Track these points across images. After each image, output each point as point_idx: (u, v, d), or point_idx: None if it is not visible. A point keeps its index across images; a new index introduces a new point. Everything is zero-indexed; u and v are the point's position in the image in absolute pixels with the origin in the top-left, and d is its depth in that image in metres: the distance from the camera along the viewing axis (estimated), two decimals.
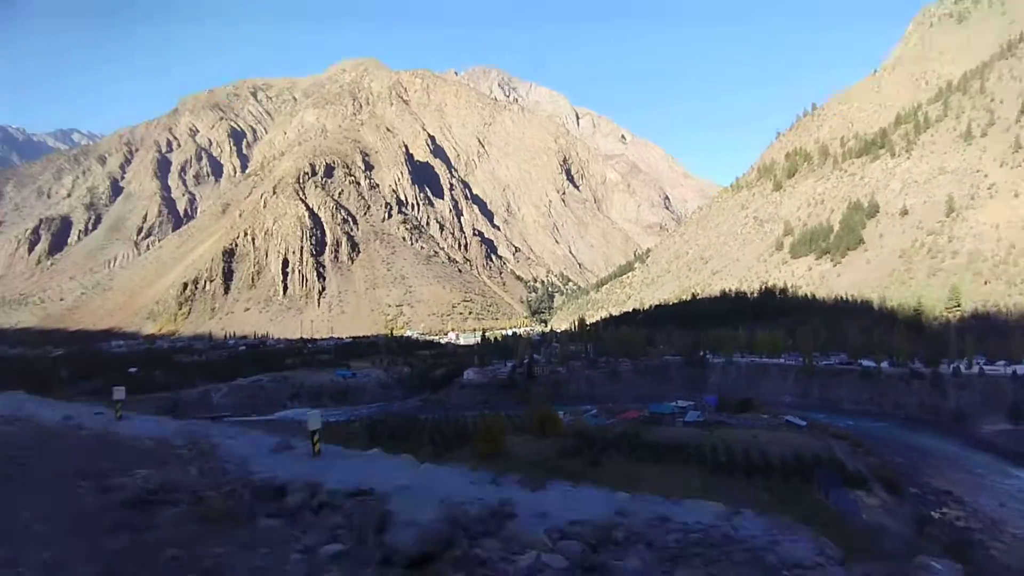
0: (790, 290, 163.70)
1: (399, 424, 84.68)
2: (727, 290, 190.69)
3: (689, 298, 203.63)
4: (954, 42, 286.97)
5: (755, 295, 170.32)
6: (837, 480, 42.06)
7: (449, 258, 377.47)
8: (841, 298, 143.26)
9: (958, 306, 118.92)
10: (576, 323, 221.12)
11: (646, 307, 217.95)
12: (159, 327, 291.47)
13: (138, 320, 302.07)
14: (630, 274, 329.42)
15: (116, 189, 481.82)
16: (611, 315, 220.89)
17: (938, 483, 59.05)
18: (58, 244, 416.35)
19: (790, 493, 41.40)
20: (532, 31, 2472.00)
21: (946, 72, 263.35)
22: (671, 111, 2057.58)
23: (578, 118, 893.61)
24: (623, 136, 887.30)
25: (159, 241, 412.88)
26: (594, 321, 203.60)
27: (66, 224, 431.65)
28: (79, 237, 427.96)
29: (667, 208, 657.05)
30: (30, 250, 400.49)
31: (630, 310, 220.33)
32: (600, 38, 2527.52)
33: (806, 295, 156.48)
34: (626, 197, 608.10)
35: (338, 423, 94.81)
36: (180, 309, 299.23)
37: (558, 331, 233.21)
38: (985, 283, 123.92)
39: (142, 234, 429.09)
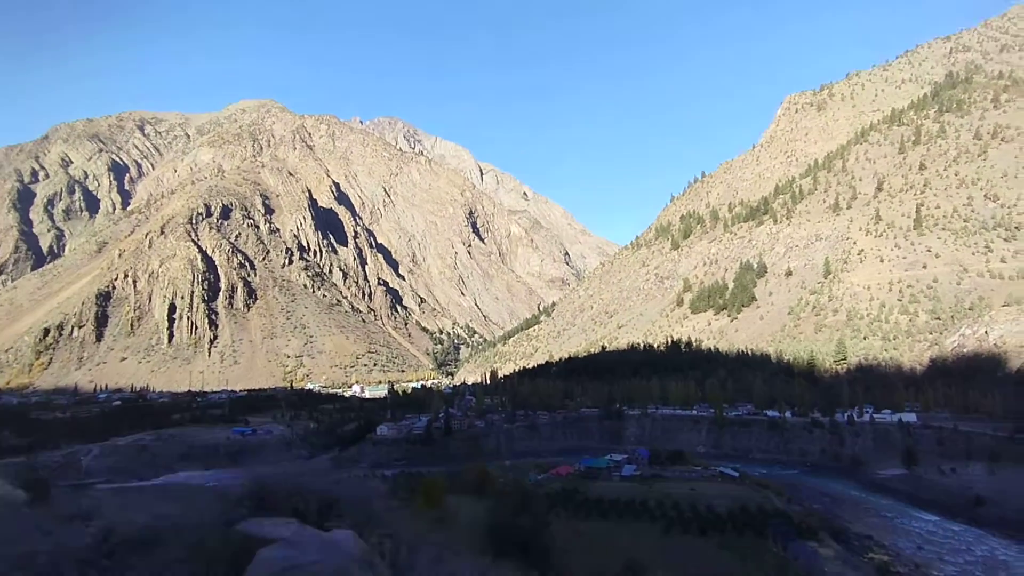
0: (694, 343, 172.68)
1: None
2: (634, 343, 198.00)
3: (598, 351, 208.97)
4: (815, 125, 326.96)
5: (662, 348, 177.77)
6: (791, 532, 43.05)
7: (353, 307, 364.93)
8: (742, 351, 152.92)
9: (844, 359, 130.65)
10: (488, 376, 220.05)
11: (556, 359, 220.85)
12: (7, 380, 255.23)
13: None
14: (536, 327, 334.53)
15: None
16: (524, 368, 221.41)
17: (857, 528, 62.37)
18: None
19: (749, 549, 41.80)
20: (437, 83, 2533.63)
21: (811, 151, 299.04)
22: (569, 170, 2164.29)
23: (482, 173, 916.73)
24: (525, 193, 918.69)
25: (13, 281, 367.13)
26: (507, 374, 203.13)
27: None
28: None
29: (568, 263, 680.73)
30: None
31: (542, 362, 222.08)
32: (503, 96, 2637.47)
33: (710, 348, 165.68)
34: (529, 252, 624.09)
35: (226, 488, 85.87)
36: (38, 359, 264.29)
37: (468, 384, 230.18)
38: (864, 338, 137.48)
39: None
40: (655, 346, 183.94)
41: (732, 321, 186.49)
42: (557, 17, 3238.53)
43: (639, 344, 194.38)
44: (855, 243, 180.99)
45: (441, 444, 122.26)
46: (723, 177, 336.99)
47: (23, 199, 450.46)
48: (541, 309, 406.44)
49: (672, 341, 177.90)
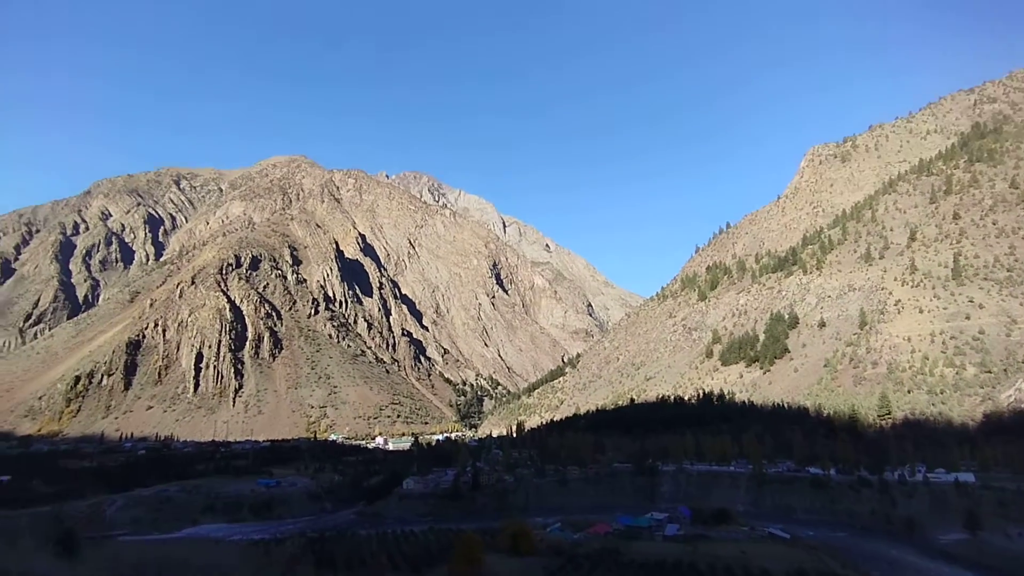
0: (727, 396, 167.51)
1: (345, 544, 75.13)
2: (664, 396, 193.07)
3: (627, 403, 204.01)
4: (840, 177, 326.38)
5: (693, 401, 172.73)
6: None
7: (377, 358, 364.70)
8: (777, 405, 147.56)
9: (889, 414, 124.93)
10: (514, 428, 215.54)
11: (583, 412, 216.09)
12: (39, 427, 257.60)
13: (13, 418, 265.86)
14: (561, 379, 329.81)
15: (7, 271, 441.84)
16: (551, 420, 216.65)
17: None
18: None
19: None
20: (461, 138, 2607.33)
21: (837, 202, 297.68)
22: (590, 223, 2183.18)
23: (505, 225, 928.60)
24: (547, 245, 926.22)
25: (50, 329, 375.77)
26: (534, 427, 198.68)
27: None
28: None
29: (591, 315, 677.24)
30: None
31: (569, 415, 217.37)
32: (527, 150, 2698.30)
33: (744, 401, 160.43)
34: (553, 303, 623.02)
35: (268, 542, 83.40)
36: (68, 406, 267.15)
37: (494, 436, 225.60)
38: (908, 392, 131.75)
39: (31, 321, 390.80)
40: (686, 399, 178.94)
41: (765, 373, 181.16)
42: (572, 69, 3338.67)
43: (669, 397, 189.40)
44: (891, 293, 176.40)
45: (469, 499, 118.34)
46: (748, 228, 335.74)
47: (64, 251, 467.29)
48: (565, 361, 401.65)
49: (704, 394, 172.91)
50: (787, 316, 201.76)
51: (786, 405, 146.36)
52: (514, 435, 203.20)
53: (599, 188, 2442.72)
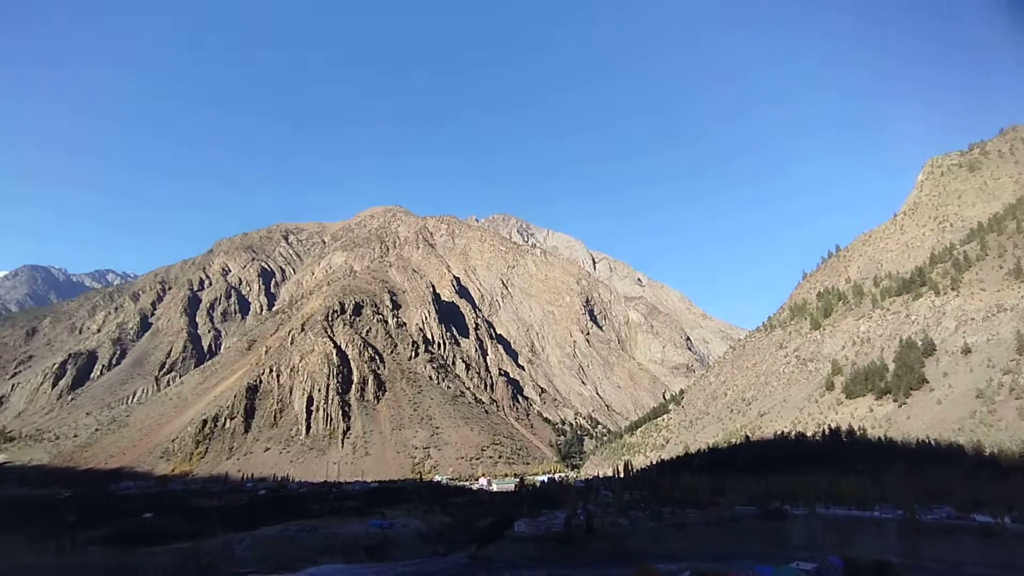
0: (857, 432, 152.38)
1: None
2: (783, 432, 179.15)
3: (740, 441, 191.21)
4: (970, 187, 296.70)
5: (818, 438, 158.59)
6: None
7: (476, 398, 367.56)
8: (922, 441, 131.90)
9: None
10: (620, 468, 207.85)
11: (693, 451, 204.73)
12: (173, 467, 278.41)
13: (151, 459, 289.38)
14: (665, 416, 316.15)
15: (145, 325, 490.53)
16: (661, 460, 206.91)
17: None
18: (81, 379, 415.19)
19: None
20: (548, 181, 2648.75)
21: (968, 214, 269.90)
22: (684, 256, 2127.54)
23: (595, 262, 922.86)
24: (639, 279, 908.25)
25: (181, 377, 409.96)
26: (642, 467, 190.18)
27: (92, 359, 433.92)
28: (102, 372, 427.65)
29: (690, 349, 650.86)
30: (54, 385, 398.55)
31: (679, 454, 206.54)
32: (612, 189, 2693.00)
33: (879, 438, 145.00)
34: (650, 338, 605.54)
35: None
36: (197, 448, 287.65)
37: (599, 477, 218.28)
38: None
39: (164, 369, 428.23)
40: (809, 436, 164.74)
41: (900, 407, 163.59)
42: (664, 111, 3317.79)
43: (788, 433, 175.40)
44: None
45: (582, 543, 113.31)
46: (861, 250, 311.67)
47: (191, 305, 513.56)
48: (667, 397, 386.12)
49: (830, 430, 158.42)
50: (920, 342, 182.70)
51: (933, 441, 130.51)
52: (621, 475, 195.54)
53: (691, 219, 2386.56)
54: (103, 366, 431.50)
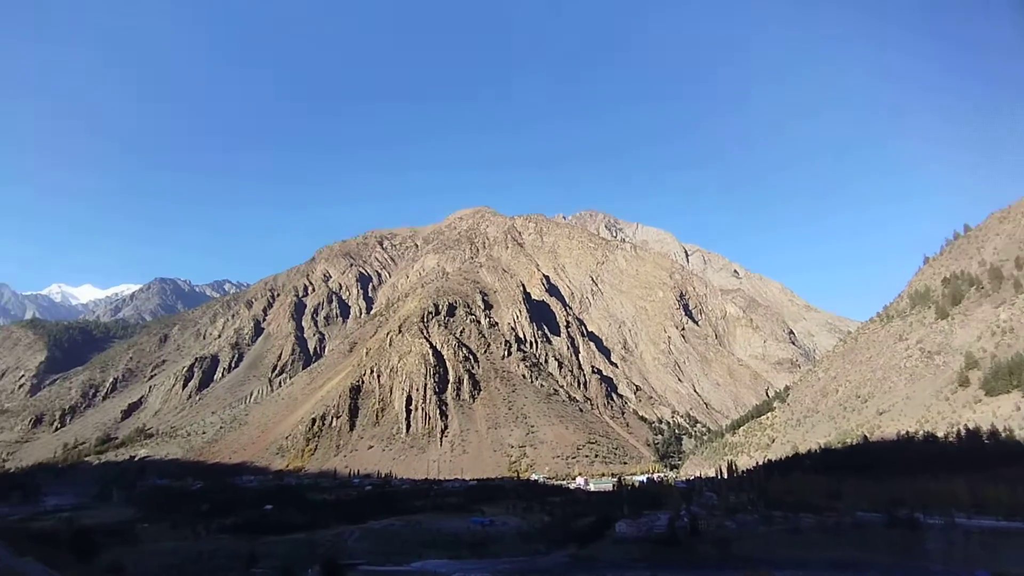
0: (1001, 433, 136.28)
1: None
2: (908, 432, 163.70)
3: (858, 441, 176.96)
4: None
5: (952, 439, 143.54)
6: None
7: (569, 397, 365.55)
8: None
9: None
10: (723, 469, 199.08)
11: (803, 451, 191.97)
12: (287, 463, 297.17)
13: (268, 455, 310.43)
14: (769, 414, 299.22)
15: (258, 330, 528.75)
16: (768, 460, 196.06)
17: None
18: (206, 381, 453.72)
19: None
20: (636, 175, 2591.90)
21: None
22: (783, 244, 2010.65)
23: (687, 255, 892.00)
24: (736, 271, 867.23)
25: (291, 378, 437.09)
26: (748, 467, 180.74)
27: (215, 362, 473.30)
28: (223, 374, 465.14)
29: (793, 343, 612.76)
30: (184, 386, 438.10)
31: (789, 455, 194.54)
32: (705, 179, 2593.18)
33: None
34: (749, 332, 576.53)
35: None
36: (308, 445, 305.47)
37: (700, 477, 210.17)
38: None
39: (276, 371, 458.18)
40: (940, 436, 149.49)
41: None
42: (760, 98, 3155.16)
43: (914, 434, 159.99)
44: None
45: (688, 546, 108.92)
46: (999, 228, 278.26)
47: (297, 310, 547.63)
48: (771, 394, 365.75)
49: (967, 430, 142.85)
50: None
51: None
52: (725, 476, 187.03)
53: (790, 205, 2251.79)
54: (224, 369, 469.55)
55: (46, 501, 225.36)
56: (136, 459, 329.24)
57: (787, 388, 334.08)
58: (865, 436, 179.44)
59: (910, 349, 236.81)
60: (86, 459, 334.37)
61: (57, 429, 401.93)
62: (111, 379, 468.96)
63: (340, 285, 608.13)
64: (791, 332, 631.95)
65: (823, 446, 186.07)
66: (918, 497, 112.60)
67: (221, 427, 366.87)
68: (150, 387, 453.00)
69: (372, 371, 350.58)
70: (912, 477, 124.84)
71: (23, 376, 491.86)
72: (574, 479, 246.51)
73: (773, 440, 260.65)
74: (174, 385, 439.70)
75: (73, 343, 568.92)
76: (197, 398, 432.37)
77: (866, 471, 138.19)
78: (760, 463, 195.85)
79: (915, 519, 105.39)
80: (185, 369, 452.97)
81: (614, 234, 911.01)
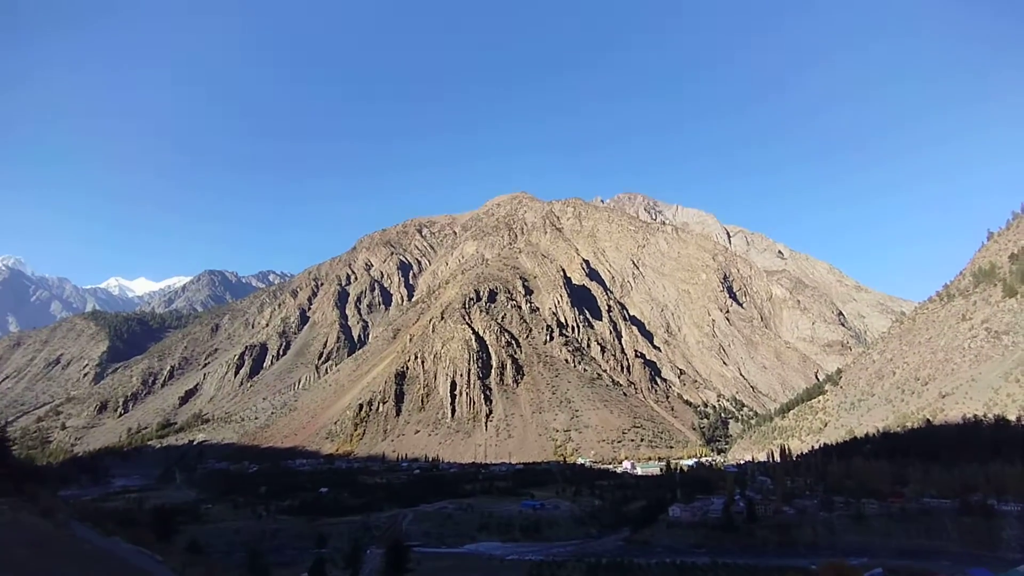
0: None
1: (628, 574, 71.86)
2: (975, 416, 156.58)
3: (920, 425, 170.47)
4: None
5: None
6: None
7: (613, 381, 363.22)
8: None
9: None
10: (775, 453, 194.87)
11: (859, 435, 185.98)
12: (337, 447, 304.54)
13: (318, 439, 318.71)
14: (821, 398, 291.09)
15: (304, 319, 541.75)
16: (824, 444, 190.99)
17: None
18: (256, 368, 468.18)
19: None
20: (676, 152, 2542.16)
21: None
22: (830, 222, 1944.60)
23: (729, 236, 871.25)
24: (780, 251, 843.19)
25: (336, 365, 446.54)
26: (802, 451, 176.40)
27: (264, 350, 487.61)
28: (272, 362, 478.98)
29: (843, 324, 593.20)
30: (236, 373, 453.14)
31: (845, 439, 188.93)
32: (744, 159, 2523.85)
33: None
34: (797, 314, 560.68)
35: (546, 563, 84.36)
36: (356, 430, 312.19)
37: (751, 461, 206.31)
38: None
39: (322, 358, 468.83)
40: (1012, 420, 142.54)
41: None
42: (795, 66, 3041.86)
43: (982, 417, 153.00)
44: None
45: (745, 531, 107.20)
46: None
47: (341, 299, 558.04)
48: (821, 377, 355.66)
49: None
50: None
51: None
52: (777, 460, 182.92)
53: (837, 182, 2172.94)
54: (272, 356, 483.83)
55: (114, 483, 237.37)
56: (195, 443, 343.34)
57: (839, 371, 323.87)
58: (928, 420, 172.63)
59: (975, 329, 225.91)
60: (148, 443, 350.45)
61: (120, 415, 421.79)
62: (168, 367, 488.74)
63: (381, 273, 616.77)
64: (840, 313, 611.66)
65: (882, 430, 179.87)
66: (991, 483, 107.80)
67: (272, 412, 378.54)
68: (204, 375, 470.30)
69: (416, 357, 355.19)
70: (982, 462, 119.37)
71: (87, 365, 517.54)
72: (620, 463, 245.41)
73: (826, 424, 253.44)
74: (227, 372, 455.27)
75: (132, 333, 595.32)
76: (248, 385, 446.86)
77: (931, 456, 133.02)
78: (814, 447, 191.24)
79: (989, 506, 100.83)
80: (236, 357, 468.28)
81: (654, 216, 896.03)
